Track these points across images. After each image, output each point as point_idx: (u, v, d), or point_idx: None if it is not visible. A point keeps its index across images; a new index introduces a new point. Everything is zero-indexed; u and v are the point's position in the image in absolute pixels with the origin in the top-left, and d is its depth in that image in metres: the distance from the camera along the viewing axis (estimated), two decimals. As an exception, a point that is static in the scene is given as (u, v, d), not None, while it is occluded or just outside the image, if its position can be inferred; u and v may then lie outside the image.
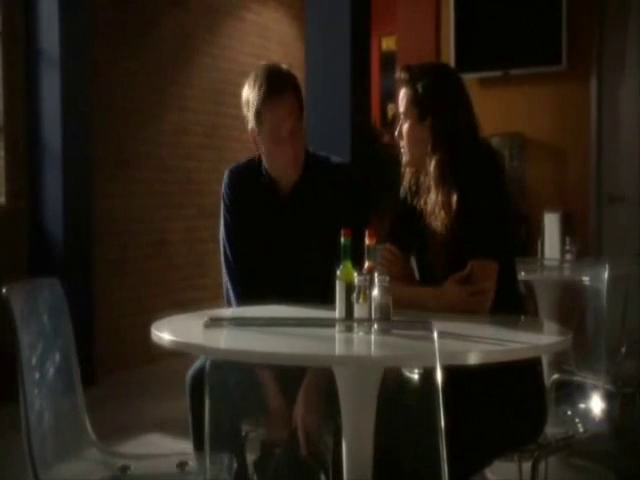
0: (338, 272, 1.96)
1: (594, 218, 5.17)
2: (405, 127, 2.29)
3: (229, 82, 6.56)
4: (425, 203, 2.33)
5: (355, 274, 1.91)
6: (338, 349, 1.75)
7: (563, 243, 3.48)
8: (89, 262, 5.25)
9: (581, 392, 2.64)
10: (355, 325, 1.75)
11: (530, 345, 1.70)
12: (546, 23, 5.18)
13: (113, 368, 5.44)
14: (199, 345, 1.48)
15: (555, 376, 3.05)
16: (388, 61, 7.34)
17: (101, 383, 5.20)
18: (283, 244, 2.42)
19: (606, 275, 2.49)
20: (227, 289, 2.47)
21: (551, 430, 2.36)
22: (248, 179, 2.49)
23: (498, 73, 5.27)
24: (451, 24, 5.44)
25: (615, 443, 3.23)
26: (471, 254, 2.18)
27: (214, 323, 1.38)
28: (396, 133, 2.33)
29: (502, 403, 2.15)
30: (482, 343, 1.69)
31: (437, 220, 2.26)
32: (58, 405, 1.91)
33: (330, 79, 4.43)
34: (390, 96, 7.08)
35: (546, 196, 5.15)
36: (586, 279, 2.65)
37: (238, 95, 2.43)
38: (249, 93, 2.36)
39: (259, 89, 2.33)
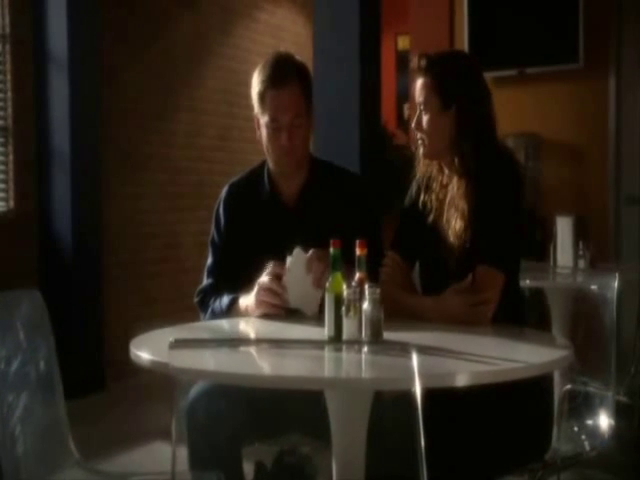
0: (327, 284, 1.89)
1: (612, 220, 5.04)
2: (426, 117, 2.19)
3: (242, 83, 6.46)
4: (437, 199, 2.25)
5: (344, 286, 1.83)
6: (327, 371, 1.66)
7: (576, 248, 3.36)
8: (99, 265, 5.21)
9: (594, 403, 2.53)
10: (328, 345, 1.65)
11: (525, 364, 1.60)
12: (562, 20, 5.04)
13: (124, 373, 5.39)
14: (175, 367, 1.39)
15: (567, 386, 2.95)
16: (404, 60, 7.24)
17: (111, 388, 5.16)
18: (285, 254, 2.28)
19: (616, 284, 2.38)
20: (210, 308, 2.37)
21: (560, 446, 2.27)
22: (249, 193, 2.41)
23: (513, 72, 5.15)
24: (465, 22, 5.34)
25: (629, 456, 3.11)
26: (480, 259, 2.09)
27: (179, 344, 1.30)
28: (413, 125, 2.23)
29: (505, 421, 2.06)
30: (474, 362, 1.60)
31: (455, 214, 2.16)
32: (37, 423, 1.84)
33: (339, 80, 4.34)
34: (406, 96, 6.98)
35: (563, 198, 5.03)
36: (594, 287, 2.55)
37: (251, 96, 2.36)
38: (257, 76, 2.31)
39: (264, 74, 2.28)
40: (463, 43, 5.33)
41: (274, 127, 2.28)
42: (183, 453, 2.19)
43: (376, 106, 4.61)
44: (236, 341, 1.60)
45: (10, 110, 4.91)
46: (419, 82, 2.21)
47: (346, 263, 1.89)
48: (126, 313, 5.60)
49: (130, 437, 4.10)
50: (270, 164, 2.39)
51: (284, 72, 2.28)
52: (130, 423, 4.42)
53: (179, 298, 6.07)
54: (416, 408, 1.28)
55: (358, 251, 1.88)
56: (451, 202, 2.20)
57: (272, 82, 2.26)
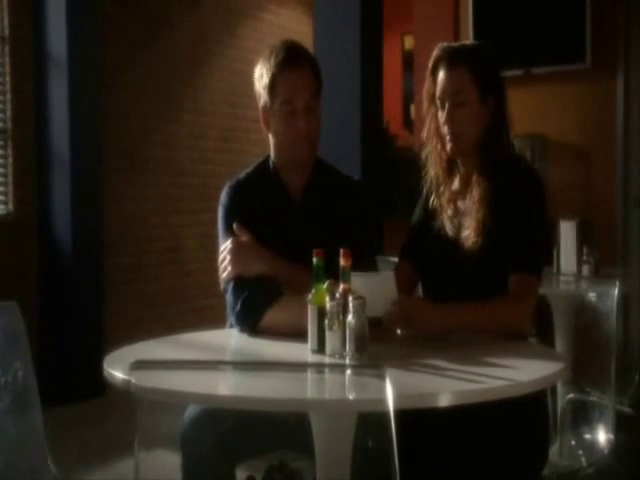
0: (310, 296, 1.82)
1: (620, 223, 4.95)
2: (461, 110, 2.09)
3: (246, 84, 6.38)
4: (448, 201, 2.18)
5: (327, 298, 1.76)
6: (310, 392, 1.57)
7: (580, 254, 3.27)
8: (99, 269, 5.16)
9: (592, 416, 2.44)
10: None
11: (513, 382, 1.52)
12: (569, 19, 4.95)
13: (125, 377, 5.34)
14: (139, 386, 1.33)
15: (570, 395, 2.86)
16: (411, 60, 7.15)
17: (111, 393, 5.09)
18: (296, 249, 2.13)
19: (616, 292, 2.30)
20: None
21: (561, 460, 2.19)
22: (253, 190, 2.29)
23: (519, 72, 5.05)
24: (470, 21, 5.26)
25: (632, 470, 3.02)
26: (515, 268, 2.01)
27: (140, 365, 1.23)
28: (442, 119, 2.12)
29: (498, 436, 1.98)
30: (459, 380, 1.52)
31: (470, 219, 2.09)
32: (10, 440, 1.77)
33: (339, 81, 4.26)
34: (413, 96, 6.89)
35: (569, 200, 4.93)
36: (592, 295, 2.47)
37: (255, 97, 2.28)
38: (263, 65, 2.21)
39: (276, 58, 2.18)
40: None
41: (288, 110, 2.18)
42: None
43: (378, 107, 4.54)
44: (203, 364, 1.51)
45: (9, 112, 4.88)
46: (450, 73, 2.11)
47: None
48: (127, 317, 5.56)
49: (130, 444, 4.03)
50: (281, 155, 2.27)
51: (298, 55, 2.21)
52: (128, 430, 4.36)
53: (181, 301, 6.02)
54: (389, 429, 1.22)
55: (342, 262, 1.81)
56: (467, 206, 2.12)
57: (286, 64, 2.17)
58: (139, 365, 1.24)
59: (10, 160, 4.88)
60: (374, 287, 1.83)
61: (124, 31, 5.58)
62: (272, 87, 2.20)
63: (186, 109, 6.14)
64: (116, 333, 5.32)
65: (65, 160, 4.91)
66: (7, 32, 4.85)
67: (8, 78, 4.86)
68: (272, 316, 2.03)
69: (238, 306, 2.08)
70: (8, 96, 4.87)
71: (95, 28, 5.09)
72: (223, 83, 6.44)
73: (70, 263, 4.95)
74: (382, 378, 1.16)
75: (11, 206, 4.90)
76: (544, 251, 2.13)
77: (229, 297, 2.14)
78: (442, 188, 2.22)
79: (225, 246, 2.17)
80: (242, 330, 2.09)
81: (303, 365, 1.56)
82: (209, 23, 6.34)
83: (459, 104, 2.10)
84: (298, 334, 1.85)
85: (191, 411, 2.11)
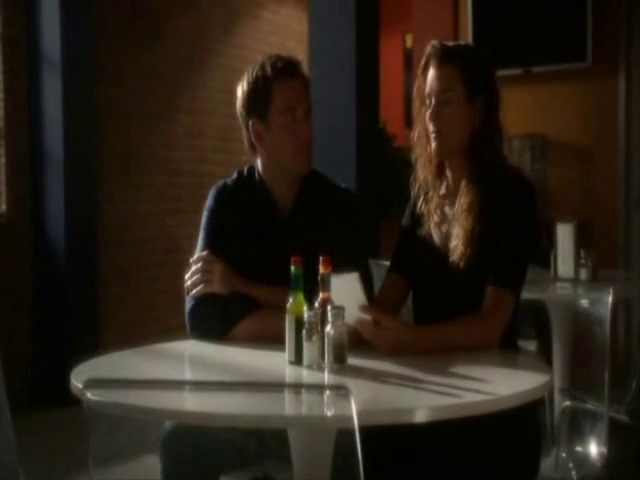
0: (287, 305, 1.75)
1: (622, 224, 4.87)
2: (447, 108, 2.03)
3: (244, 83, 6.37)
4: (437, 207, 2.11)
5: (305, 307, 1.69)
6: (288, 408, 1.51)
7: (577, 257, 3.18)
8: (94, 270, 5.11)
9: (585, 429, 2.37)
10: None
11: (493, 397, 1.45)
12: (570, 17, 4.88)
13: (120, 379, 5.28)
14: (98, 402, 1.27)
15: (566, 403, 2.80)
16: (412, 58, 7.08)
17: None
18: (283, 264, 1.98)
19: (610, 299, 2.22)
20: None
21: (553, 474, 2.13)
22: (241, 200, 2.20)
23: (519, 71, 4.98)
24: (469, 20, 5.18)
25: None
26: (492, 281, 1.94)
27: (93, 384, 1.17)
28: (428, 116, 2.05)
29: (486, 449, 1.91)
30: (437, 394, 1.46)
31: (458, 228, 2.01)
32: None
33: (335, 80, 4.19)
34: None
35: (570, 201, 4.87)
36: (584, 302, 2.39)
37: (245, 104, 2.17)
38: (251, 80, 2.10)
39: (271, 68, 2.08)
40: (467, 41, 5.17)
41: (288, 119, 2.08)
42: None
43: (374, 106, 4.47)
44: (161, 384, 1.44)
45: (2, 111, 4.82)
46: (438, 71, 2.05)
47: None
48: (123, 319, 5.51)
49: (122, 449, 3.98)
50: (277, 168, 2.16)
51: (292, 63, 2.12)
52: (123, 434, 4.31)
53: (178, 303, 5.94)
54: (355, 449, 1.16)
55: (322, 269, 1.75)
56: (455, 214, 2.06)
57: (284, 71, 2.08)
58: (92, 384, 1.17)
59: (3, 160, 4.83)
60: (338, 289, 1.75)
61: (121, 29, 5.53)
62: (266, 99, 2.08)
63: (184, 108, 6.09)
64: (112, 334, 5.27)
65: (59, 160, 4.86)
66: (0, 30, 4.79)
67: (0, 77, 4.81)
68: (246, 326, 2.01)
69: (211, 312, 2.06)
70: (1, 95, 4.81)
71: (90, 26, 5.04)
72: (221, 82, 6.37)
73: (64, 264, 4.90)
74: (346, 398, 1.09)
75: (4, 207, 4.85)
76: (525, 267, 2.03)
77: (197, 304, 2.11)
78: (431, 193, 2.15)
79: (207, 258, 2.11)
80: (203, 337, 2.04)
81: (264, 385, 1.48)
82: (207, 21, 6.29)
83: (445, 102, 2.04)
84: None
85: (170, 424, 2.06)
